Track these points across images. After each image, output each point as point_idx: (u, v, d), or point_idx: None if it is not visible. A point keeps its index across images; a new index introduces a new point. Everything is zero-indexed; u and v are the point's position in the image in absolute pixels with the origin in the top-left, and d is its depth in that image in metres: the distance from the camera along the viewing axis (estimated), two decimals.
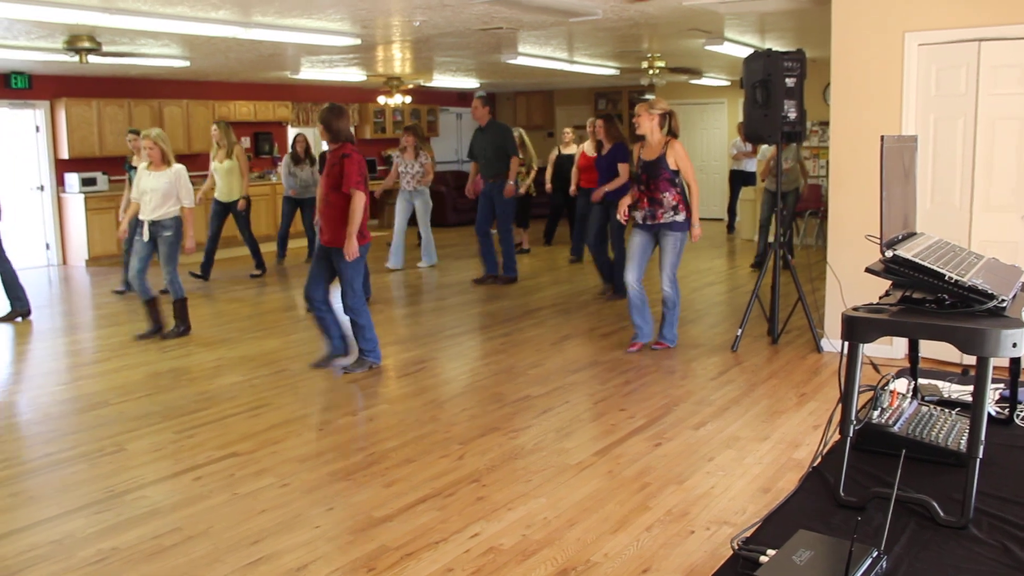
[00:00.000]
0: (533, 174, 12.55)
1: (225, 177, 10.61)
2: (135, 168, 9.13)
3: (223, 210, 10.73)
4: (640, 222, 6.77)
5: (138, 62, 10.41)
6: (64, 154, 12.49)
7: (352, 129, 6.25)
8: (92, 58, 8.95)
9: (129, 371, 6.72)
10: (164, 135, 7.71)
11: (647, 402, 5.69)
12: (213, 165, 10.71)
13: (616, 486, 4.34)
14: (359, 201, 6.22)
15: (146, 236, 7.57)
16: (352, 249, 6.22)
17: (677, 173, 6.65)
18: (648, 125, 6.66)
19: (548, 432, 5.15)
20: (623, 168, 8.65)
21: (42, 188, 12.65)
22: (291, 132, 15.65)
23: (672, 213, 6.65)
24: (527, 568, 3.52)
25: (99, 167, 12.63)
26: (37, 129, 12.46)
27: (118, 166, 12.66)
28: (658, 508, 4.07)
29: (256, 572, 3.55)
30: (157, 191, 7.51)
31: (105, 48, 8.94)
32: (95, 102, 12.62)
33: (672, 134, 6.71)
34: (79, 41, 8.51)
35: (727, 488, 4.29)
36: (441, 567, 3.55)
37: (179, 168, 7.65)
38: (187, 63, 10.93)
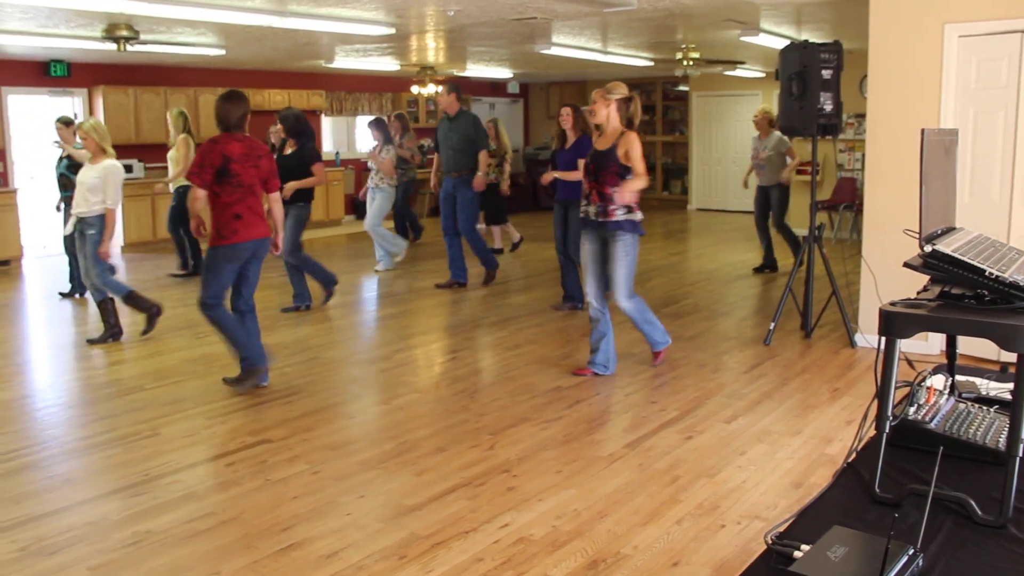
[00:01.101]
0: (508, 168, 11.66)
1: (175, 166, 9.98)
2: (65, 160, 8.94)
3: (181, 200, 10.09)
4: (593, 218, 5.92)
5: (175, 50, 10.49)
6: None
7: (246, 118, 5.80)
8: (130, 46, 9.02)
9: (163, 357, 6.79)
10: (99, 125, 7.18)
11: (678, 395, 5.67)
12: (169, 153, 10.13)
13: (647, 478, 4.34)
14: (193, 194, 5.65)
15: (69, 229, 7.15)
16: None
17: (629, 169, 5.79)
18: (603, 112, 5.85)
19: (579, 423, 5.15)
20: (582, 164, 7.54)
21: None
22: (324, 121, 15.74)
23: (624, 211, 5.82)
24: (557, 559, 3.53)
25: (135, 154, 12.74)
26: (75, 116, 12.57)
27: (154, 153, 12.80)
28: (689, 501, 4.06)
29: (288, 558, 3.58)
30: (84, 184, 7.03)
31: (143, 36, 9.01)
32: (132, 90, 12.74)
33: (630, 123, 5.91)
34: (117, 29, 8.59)
35: (758, 482, 4.27)
36: (471, 556, 3.56)
37: (110, 164, 7.05)
38: (223, 52, 11.00)
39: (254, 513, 4.01)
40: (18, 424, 5.34)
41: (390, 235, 10.66)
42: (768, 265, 10.22)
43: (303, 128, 8.12)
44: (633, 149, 5.76)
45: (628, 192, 5.75)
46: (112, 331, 7.27)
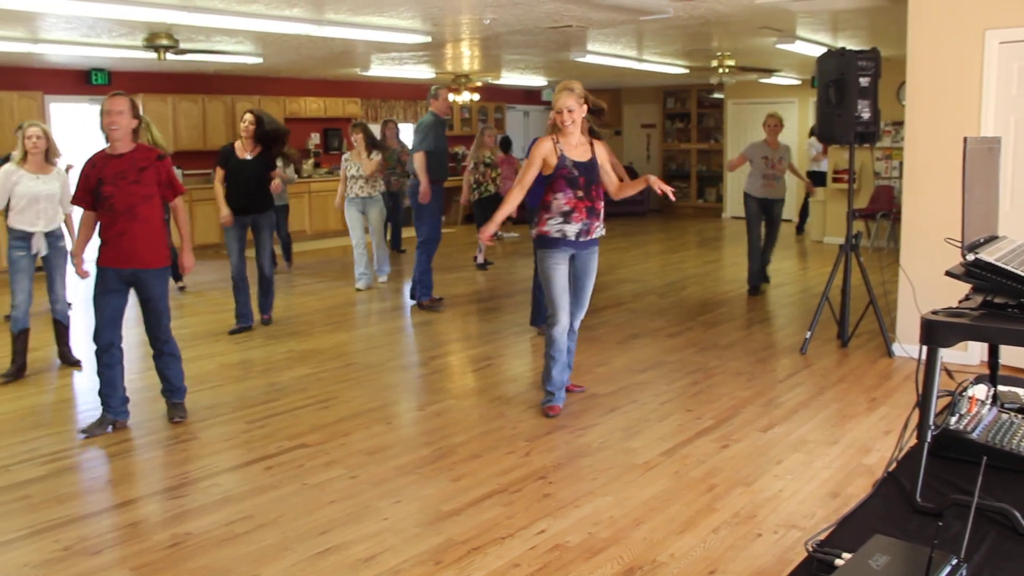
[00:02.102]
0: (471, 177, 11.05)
1: None
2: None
3: None
4: (573, 239, 5.28)
5: (214, 59, 10.62)
6: None
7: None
8: (170, 55, 9.15)
9: (201, 361, 6.86)
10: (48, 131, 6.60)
11: (714, 403, 5.65)
12: None
13: (683, 487, 4.33)
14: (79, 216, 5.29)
15: (44, 250, 6.53)
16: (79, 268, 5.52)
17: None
18: (580, 118, 5.26)
19: (614, 431, 5.15)
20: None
21: None
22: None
23: (602, 227, 5.43)
24: (593, 566, 3.53)
25: (173, 161, 12.85)
26: None
27: (192, 161, 12.95)
28: (725, 510, 4.05)
29: (325, 562, 3.61)
30: (53, 196, 6.50)
31: (182, 45, 9.13)
32: (170, 98, 12.90)
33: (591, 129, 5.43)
34: (158, 38, 8.71)
35: (795, 492, 4.25)
36: (507, 562, 3.57)
37: (63, 170, 6.68)
38: (260, 60, 11.12)
39: (292, 517, 4.04)
40: (60, 427, 5.42)
41: (366, 259, 9.93)
42: (759, 281, 9.52)
43: (279, 135, 7.77)
44: (608, 155, 5.51)
45: (631, 192, 5.55)
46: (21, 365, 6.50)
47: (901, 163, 12.11)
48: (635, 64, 12.28)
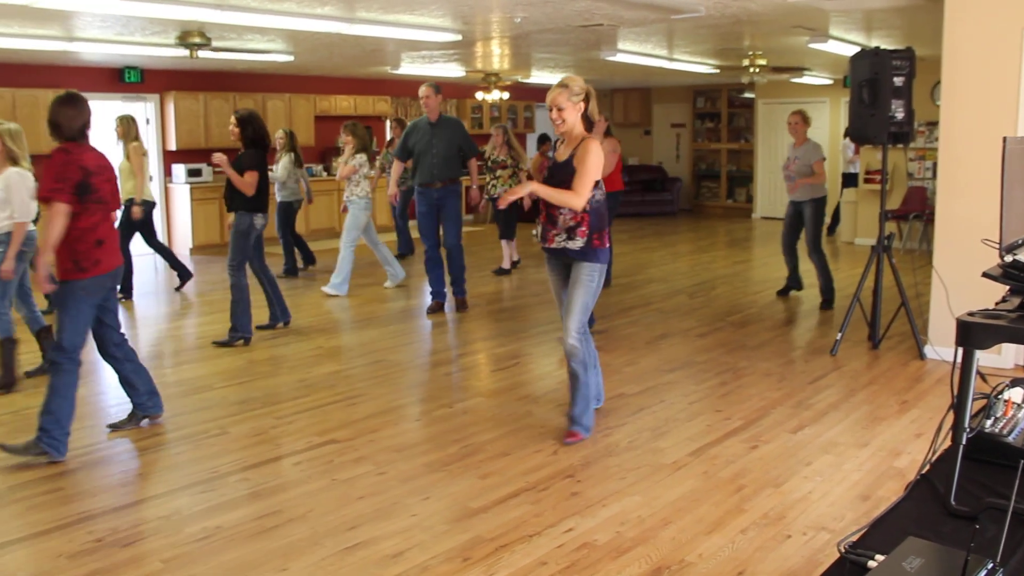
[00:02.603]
0: (525, 176, 10.72)
1: (122, 179, 8.69)
2: None
3: (125, 217, 9.08)
4: (538, 241, 5.16)
5: (245, 57, 10.68)
6: (172, 146, 12.93)
7: (88, 126, 4.77)
8: (201, 53, 9.22)
9: (231, 357, 6.91)
10: (15, 130, 6.09)
11: (743, 404, 5.63)
12: (118, 165, 8.77)
13: (711, 487, 4.31)
14: (54, 214, 4.63)
15: None
16: (43, 278, 4.74)
17: (597, 183, 4.77)
18: (573, 119, 4.76)
19: (643, 431, 5.13)
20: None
21: (151, 178, 13.06)
22: (389, 127, 15.90)
23: (566, 238, 4.76)
24: (621, 565, 3.52)
25: (204, 158, 12.96)
26: (147, 121, 12.88)
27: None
28: (754, 511, 4.03)
29: (354, 557, 3.62)
30: None
31: (214, 43, 9.19)
32: (202, 95, 13.00)
33: (590, 125, 4.87)
34: (190, 36, 8.77)
35: (825, 494, 4.22)
36: (535, 560, 3.57)
37: (13, 172, 5.94)
38: (291, 58, 11.18)
39: (321, 512, 4.06)
40: (91, 420, 5.47)
41: (351, 259, 9.53)
42: (793, 285, 9.22)
43: (259, 136, 7.29)
44: (587, 157, 4.67)
45: (563, 200, 4.70)
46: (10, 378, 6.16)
47: (935, 164, 12.01)
48: (665, 63, 12.23)
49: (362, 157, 9.42)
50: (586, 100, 4.78)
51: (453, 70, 13.38)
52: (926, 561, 1.79)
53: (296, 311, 8.43)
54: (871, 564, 1.82)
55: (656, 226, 16.04)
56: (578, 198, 4.67)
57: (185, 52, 9.12)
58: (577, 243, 4.75)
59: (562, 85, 4.73)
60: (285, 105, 13.88)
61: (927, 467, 2.39)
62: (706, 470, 4.52)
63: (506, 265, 10.93)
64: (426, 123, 8.26)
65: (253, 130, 7.21)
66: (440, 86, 8.30)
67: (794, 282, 9.25)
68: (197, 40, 8.83)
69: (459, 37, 9.19)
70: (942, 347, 6.44)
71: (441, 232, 8.48)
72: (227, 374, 6.45)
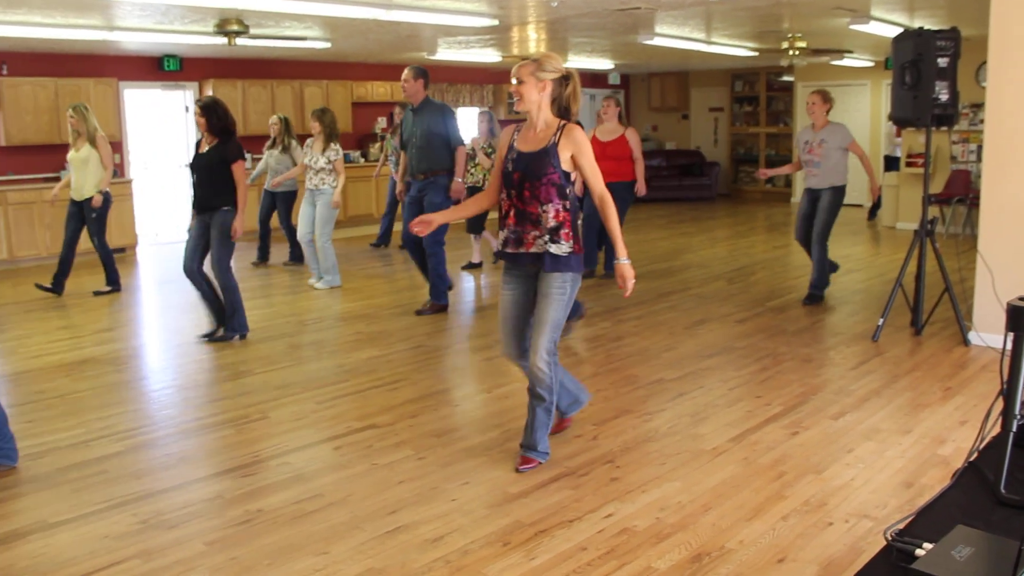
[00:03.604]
0: None
1: (80, 170, 8.66)
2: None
3: (78, 210, 8.80)
4: (502, 249, 4.30)
5: (283, 44, 10.72)
6: None
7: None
8: (240, 40, 9.27)
9: (271, 343, 6.96)
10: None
11: (784, 390, 5.58)
12: (69, 155, 8.76)
13: (752, 473, 4.28)
14: None
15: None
16: None
17: (569, 177, 4.19)
18: (534, 98, 4.19)
19: (682, 416, 5.11)
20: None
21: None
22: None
23: (549, 240, 4.16)
24: (661, 551, 3.51)
25: (243, 145, 13.05)
26: (187, 109, 13.00)
27: (261, 145, 13.11)
28: (795, 497, 4.00)
29: (394, 540, 3.64)
30: None
31: (252, 31, 9.24)
32: (240, 83, 13.08)
33: (565, 114, 4.26)
34: (229, 24, 8.83)
35: (867, 481, 4.17)
36: (574, 545, 3.57)
37: None
38: (328, 45, 11.21)
39: (361, 496, 4.09)
40: (135, 404, 5.55)
41: (332, 250, 9.19)
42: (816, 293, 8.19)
43: (227, 123, 6.87)
44: (585, 151, 4.17)
45: (616, 234, 4.27)
46: None
47: (979, 146, 11.83)
48: (703, 47, 12.12)
49: (338, 147, 9.08)
50: (563, 83, 4.22)
51: (489, 55, 13.35)
52: (976, 550, 1.76)
53: (334, 296, 8.48)
54: (919, 552, 1.79)
55: (694, 211, 15.95)
56: (610, 201, 4.22)
57: (223, 40, 9.18)
58: (563, 247, 4.15)
59: (533, 59, 4.19)
60: (322, 92, 13.94)
61: (975, 455, 2.35)
62: (746, 456, 4.50)
63: (476, 259, 10.38)
64: (410, 110, 7.71)
65: (218, 117, 6.75)
66: (426, 70, 7.66)
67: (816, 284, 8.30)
68: (235, 28, 8.88)
69: (495, 22, 9.17)
70: (987, 333, 6.34)
71: None
72: (267, 359, 6.50)
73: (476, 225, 10.12)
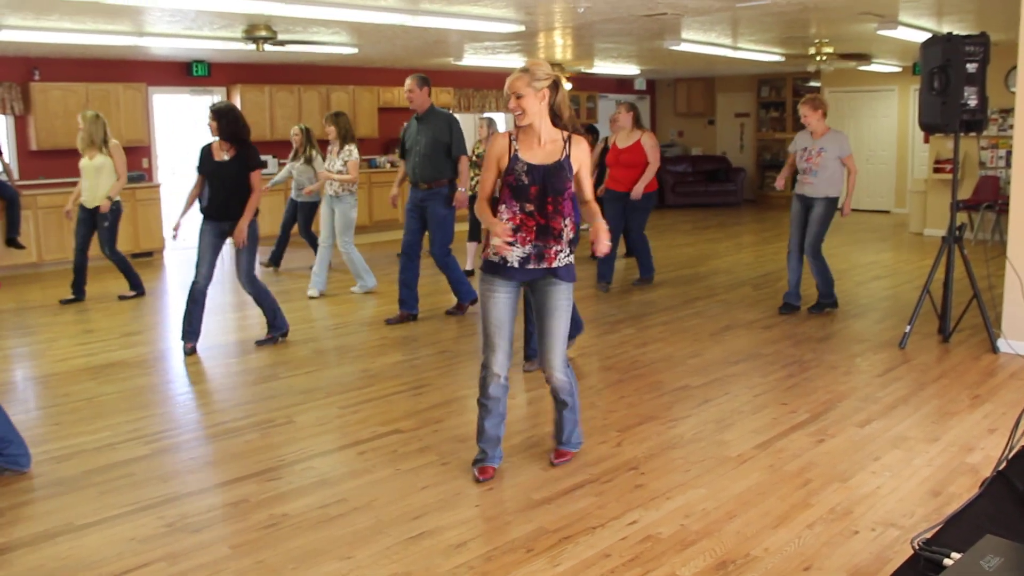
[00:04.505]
0: None
1: (92, 177, 8.64)
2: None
3: (88, 217, 8.80)
4: (517, 265, 4.14)
5: (310, 49, 10.79)
6: None
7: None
8: (268, 46, 9.33)
9: (296, 347, 7.00)
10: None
11: (809, 397, 5.55)
12: (82, 163, 8.69)
13: (777, 480, 4.26)
14: None
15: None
16: None
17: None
18: (536, 109, 4.06)
19: (707, 423, 5.09)
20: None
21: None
22: (476, 124, 15.90)
23: (567, 252, 4.19)
24: (685, 558, 3.50)
25: (269, 150, 13.15)
26: None
27: (287, 150, 13.19)
28: (820, 505, 3.97)
29: (418, 546, 3.65)
30: None
31: (280, 36, 9.30)
32: (267, 88, 13.17)
33: (557, 119, 4.15)
34: (257, 30, 8.89)
35: (894, 489, 4.14)
36: (598, 552, 3.57)
37: None
38: (355, 50, 11.26)
39: (385, 501, 4.10)
40: (161, 408, 5.59)
41: (358, 254, 9.15)
42: (792, 296, 8.02)
43: (237, 129, 6.77)
44: (588, 163, 4.19)
45: (603, 233, 4.06)
46: None
47: (1008, 152, 11.72)
48: (730, 52, 12.08)
49: (352, 147, 8.92)
50: (553, 89, 4.08)
51: (515, 61, 13.37)
52: (1005, 560, 1.75)
53: (360, 301, 8.52)
54: (947, 562, 1.78)
55: (720, 216, 15.89)
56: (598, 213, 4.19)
57: (252, 46, 9.25)
58: (571, 259, 4.22)
59: (523, 69, 4.05)
60: (349, 97, 14.01)
61: (1004, 463, 2.33)
62: (772, 463, 4.47)
63: (469, 266, 10.19)
64: (415, 118, 7.63)
65: (228, 122, 6.69)
66: (428, 78, 7.59)
67: (792, 296, 8.02)
68: (263, 33, 8.95)
69: (522, 28, 9.18)
70: (1016, 340, 6.28)
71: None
72: (293, 363, 6.53)
73: (479, 232, 9.89)
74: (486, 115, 10.15)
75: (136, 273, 9.25)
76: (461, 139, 7.62)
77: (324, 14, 7.78)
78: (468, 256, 10.40)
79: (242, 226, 6.70)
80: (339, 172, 8.84)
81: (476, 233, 10.06)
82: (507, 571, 3.43)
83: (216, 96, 13.07)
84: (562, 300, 4.20)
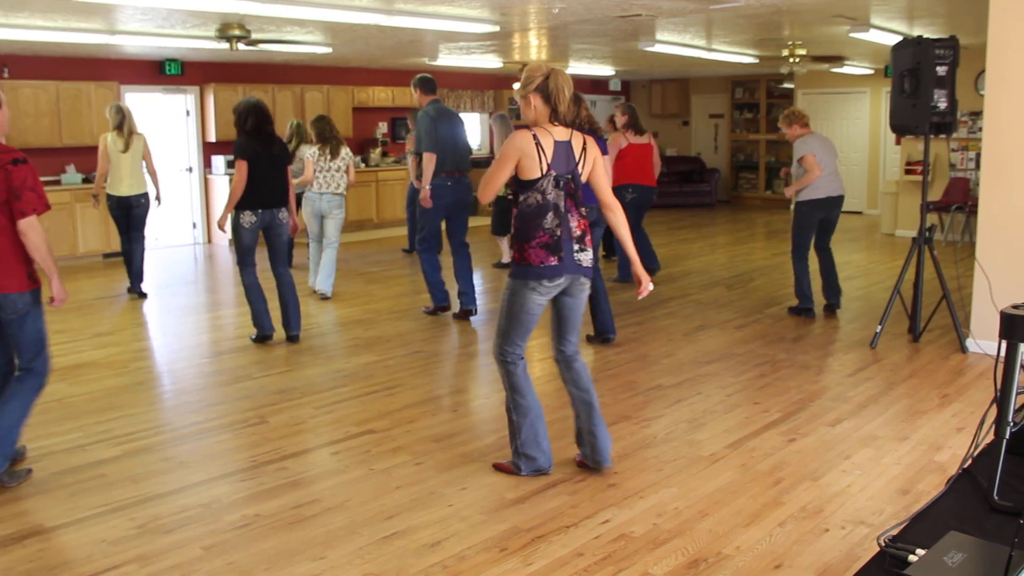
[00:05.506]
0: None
1: (124, 171, 8.97)
2: None
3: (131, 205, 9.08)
4: (579, 264, 4.15)
5: (284, 49, 10.74)
6: (212, 137, 13.05)
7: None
8: (241, 45, 9.28)
9: (269, 347, 6.97)
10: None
11: (781, 396, 5.59)
12: (117, 152, 8.91)
13: (749, 480, 4.29)
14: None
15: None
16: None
17: None
18: (530, 116, 4.18)
19: (680, 422, 5.12)
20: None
21: (191, 170, 13.23)
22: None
23: (592, 253, 4.26)
24: (657, 556, 3.52)
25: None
26: (187, 113, 13.03)
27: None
28: (792, 504, 4.01)
29: (391, 546, 3.65)
30: None
31: (254, 35, 9.25)
32: (241, 87, 13.10)
33: (555, 112, 4.13)
34: (230, 29, 8.83)
35: (864, 487, 4.18)
36: (571, 551, 3.58)
37: None
38: (329, 50, 11.22)
39: (358, 501, 4.09)
40: (135, 408, 5.55)
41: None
42: (830, 303, 8.00)
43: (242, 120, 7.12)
44: (600, 163, 4.24)
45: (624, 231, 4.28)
46: None
47: (978, 154, 11.83)
48: (704, 54, 12.14)
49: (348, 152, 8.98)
50: (544, 84, 4.08)
51: (490, 61, 13.38)
52: (968, 556, 1.77)
53: (333, 301, 8.51)
54: (912, 558, 1.80)
55: (694, 217, 15.96)
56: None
57: (225, 45, 9.19)
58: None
59: (529, 77, 4.11)
60: (323, 97, 13.96)
61: (969, 461, 2.36)
62: (744, 462, 4.50)
63: (505, 259, 10.30)
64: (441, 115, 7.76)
65: (236, 116, 7.06)
66: (422, 79, 7.89)
67: (832, 299, 8.04)
68: (237, 32, 8.88)
69: (497, 28, 9.18)
70: (984, 340, 6.36)
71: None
72: (265, 364, 6.51)
73: (504, 226, 9.93)
74: (502, 113, 10.16)
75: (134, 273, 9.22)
76: (420, 137, 7.63)
77: (298, 13, 7.75)
78: (503, 249, 10.56)
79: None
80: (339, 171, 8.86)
81: (502, 226, 10.04)
82: (480, 570, 3.44)
83: (189, 95, 12.99)
84: (586, 292, 4.26)
